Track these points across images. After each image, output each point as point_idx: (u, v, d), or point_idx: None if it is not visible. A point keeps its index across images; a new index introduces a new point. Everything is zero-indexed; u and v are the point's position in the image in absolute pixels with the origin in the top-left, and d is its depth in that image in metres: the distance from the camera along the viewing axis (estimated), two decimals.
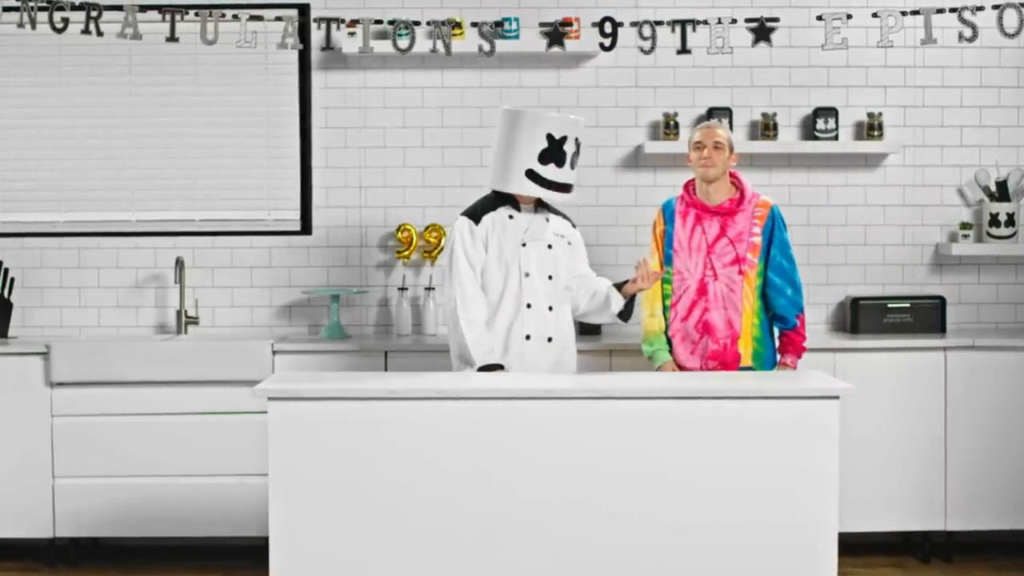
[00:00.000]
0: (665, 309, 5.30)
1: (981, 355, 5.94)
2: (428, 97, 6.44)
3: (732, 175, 5.32)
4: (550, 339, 5.15)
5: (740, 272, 5.21)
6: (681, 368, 5.27)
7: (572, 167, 5.16)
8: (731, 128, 6.31)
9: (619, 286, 5.16)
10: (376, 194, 6.46)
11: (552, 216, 5.27)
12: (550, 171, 5.10)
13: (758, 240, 5.24)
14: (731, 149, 5.27)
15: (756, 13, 6.10)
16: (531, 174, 5.10)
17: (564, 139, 5.10)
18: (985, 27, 5.79)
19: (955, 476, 5.95)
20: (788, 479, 4.44)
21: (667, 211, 5.36)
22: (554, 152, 5.09)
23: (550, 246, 5.18)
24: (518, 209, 5.21)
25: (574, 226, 5.35)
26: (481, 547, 4.46)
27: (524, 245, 5.15)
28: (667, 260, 5.30)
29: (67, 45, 6.38)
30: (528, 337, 5.12)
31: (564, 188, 5.15)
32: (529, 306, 5.13)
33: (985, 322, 6.49)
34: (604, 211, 6.44)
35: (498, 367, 5.00)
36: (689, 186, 5.36)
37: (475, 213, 5.18)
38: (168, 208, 6.48)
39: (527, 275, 5.13)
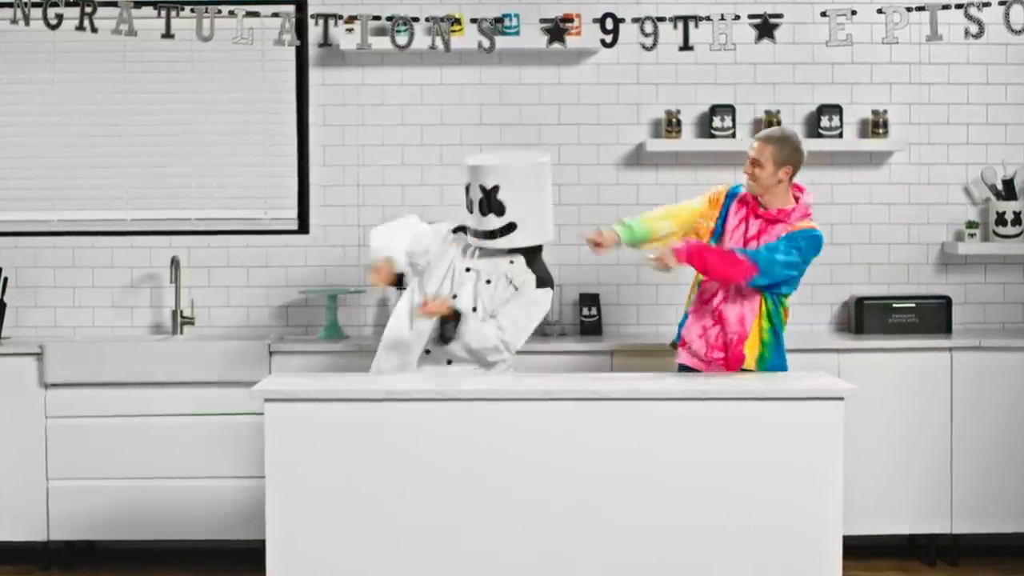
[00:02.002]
0: (697, 284, 5.24)
1: (987, 356, 5.90)
2: (427, 94, 6.38)
3: (797, 188, 5.24)
4: (450, 362, 5.02)
5: None
6: (684, 344, 5.22)
7: (485, 213, 4.96)
8: (733, 125, 6.25)
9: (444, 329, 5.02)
10: (374, 193, 6.40)
11: (519, 259, 5.04)
12: (471, 220, 5.05)
13: None
14: (779, 165, 5.12)
15: (759, 9, 6.07)
16: (462, 226, 5.13)
17: (468, 187, 5.02)
18: (992, 23, 5.75)
19: (961, 478, 5.90)
20: (792, 481, 4.43)
21: (729, 194, 5.27)
22: (468, 199, 5.03)
23: (488, 281, 5.05)
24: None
25: (527, 271, 5.04)
26: (479, 549, 4.43)
27: (468, 270, 5.07)
28: (715, 235, 5.22)
29: (61, 42, 6.33)
30: (428, 352, 5.02)
31: (486, 236, 4.98)
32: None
33: (991, 322, 6.44)
34: (605, 210, 6.38)
35: None
36: None
37: (460, 226, 5.17)
38: (163, 207, 6.43)
39: (455, 297, 5.03)
